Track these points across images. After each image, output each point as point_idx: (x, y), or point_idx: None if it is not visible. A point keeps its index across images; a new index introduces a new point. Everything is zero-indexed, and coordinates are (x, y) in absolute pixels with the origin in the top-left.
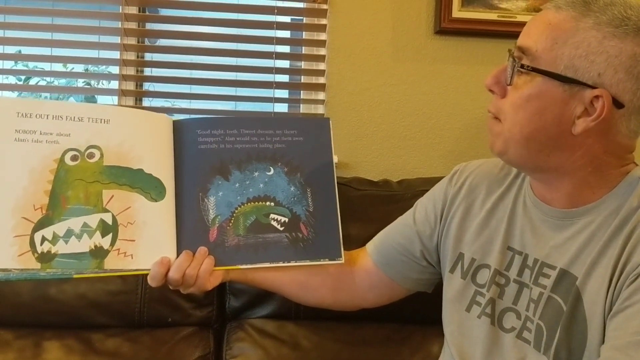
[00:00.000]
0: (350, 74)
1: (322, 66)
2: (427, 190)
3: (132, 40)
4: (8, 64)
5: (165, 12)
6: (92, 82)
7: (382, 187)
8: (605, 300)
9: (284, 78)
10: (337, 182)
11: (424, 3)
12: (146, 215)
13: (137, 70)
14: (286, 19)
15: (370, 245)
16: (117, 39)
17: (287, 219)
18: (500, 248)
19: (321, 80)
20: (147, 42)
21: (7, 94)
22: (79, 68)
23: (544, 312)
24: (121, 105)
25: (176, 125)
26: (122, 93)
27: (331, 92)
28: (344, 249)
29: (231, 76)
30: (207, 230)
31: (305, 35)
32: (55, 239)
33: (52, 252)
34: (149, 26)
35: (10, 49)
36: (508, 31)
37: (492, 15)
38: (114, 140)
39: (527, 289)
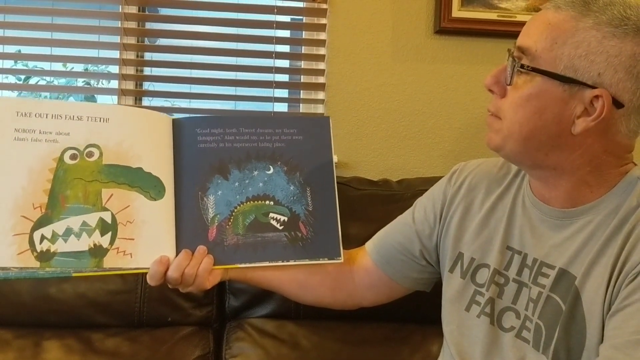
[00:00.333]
0: (350, 73)
1: (321, 66)
2: (427, 190)
3: (131, 40)
4: (8, 64)
5: (165, 11)
6: (92, 81)
7: (382, 186)
8: (604, 300)
9: (284, 77)
10: (337, 182)
11: (423, 3)
12: (145, 214)
13: (137, 70)
14: (286, 18)
15: (369, 244)
16: (116, 39)
17: (286, 218)
18: (499, 248)
19: (321, 79)
20: (146, 41)
21: (6, 93)
22: (78, 67)
23: (543, 311)
24: (120, 104)
25: (175, 124)
26: (121, 92)
27: (331, 91)
28: (343, 249)
29: (231, 76)
30: (206, 229)
31: (305, 34)
32: (54, 238)
33: (52, 250)
34: (149, 25)
35: (10, 49)
36: (508, 31)
37: (491, 15)
38: (113, 139)
39: (527, 288)
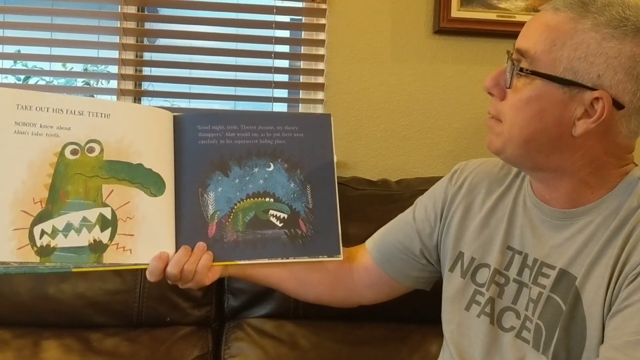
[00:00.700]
0: (349, 73)
1: (321, 66)
2: (426, 190)
3: (131, 40)
4: (7, 64)
5: (164, 11)
6: (92, 81)
7: (381, 186)
8: (604, 300)
9: (283, 78)
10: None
11: (423, 3)
12: (145, 210)
13: (136, 70)
14: (285, 18)
15: (369, 243)
16: (115, 39)
17: (286, 215)
18: (500, 247)
19: (320, 79)
20: (146, 41)
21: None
22: (78, 67)
23: (543, 311)
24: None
25: (176, 120)
26: (120, 92)
27: (330, 91)
28: (343, 248)
29: (230, 76)
30: (206, 225)
31: (304, 34)
32: (54, 233)
33: (51, 245)
34: (148, 25)
35: (10, 49)
36: (507, 31)
37: (491, 15)
38: (114, 135)
39: (527, 288)
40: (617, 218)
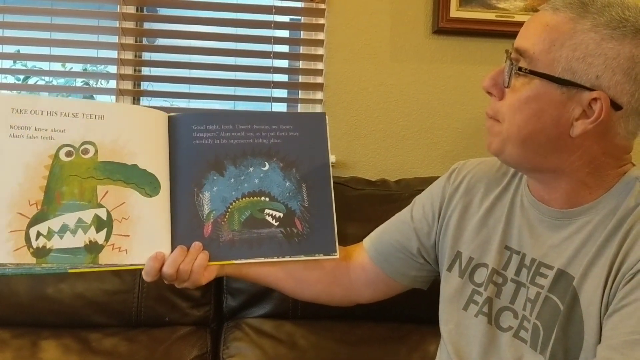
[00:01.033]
0: (348, 73)
1: (320, 66)
2: (424, 190)
3: (130, 40)
4: (7, 64)
5: (163, 11)
6: (91, 81)
7: (380, 186)
8: (601, 300)
9: (282, 77)
10: (335, 182)
11: (422, 3)
12: (141, 210)
13: (135, 70)
14: (284, 18)
15: (367, 241)
16: (115, 39)
17: (282, 214)
18: (497, 247)
19: (319, 79)
20: (145, 41)
21: (5, 93)
22: (77, 67)
23: (541, 311)
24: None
25: (171, 120)
26: (120, 92)
27: (329, 91)
28: (339, 246)
29: (230, 76)
30: (201, 225)
31: (303, 34)
32: (50, 234)
33: (47, 247)
34: (147, 25)
35: (9, 49)
36: (506, 31)
37: (490, 15)
38: (109, 136)
39: (525, 288)
40: (614, 218)
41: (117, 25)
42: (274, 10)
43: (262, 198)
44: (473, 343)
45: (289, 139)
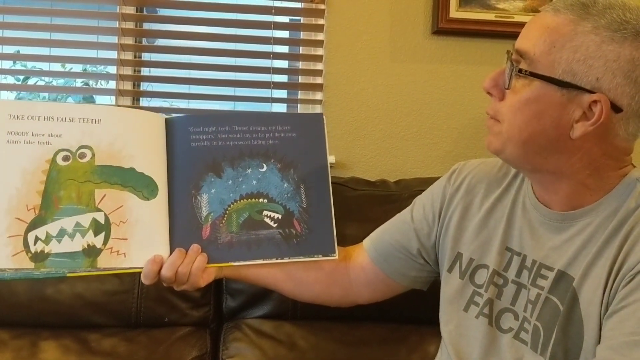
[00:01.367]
0: (348, 74)
1: (319, 66)
2: (425, 190)
3: (129, 40)
4: (6, 64)
5: (163, 12)
6: (91, 82)
7: (380, 187)
8: (601, 301)
9: (282, 78)
10: (334, 183)
11: (421, 3)
12: (138, 213)
13: (135, 70)
14: (284, 19)
15: (367, 242)
16: (114, 39)
17: (280, 216)
18: (498, 249)
19: (319, 80)
20: (145, 42)
21: (5, 93)
22: (77, 68)
23: (541, 313)
24: (112, 105)
25: (168, 123)
26: (119, 93)
27: (329, 92)
28: (338, 247)
29: (229, 76)
30: (200, 227)
31: (303, 35)
32: (48, 239)
33: (46, 251)
34: (147, 26)
35: (9, 49)
36: (505, 31)
37: (489, 16)
38: (105, 139)
39: (525, 290)
40: (615, 219)
41: (117, 26)
42: (273, 10)
43: (260, 199)
44: (473, 344)
45: (286, 140)
